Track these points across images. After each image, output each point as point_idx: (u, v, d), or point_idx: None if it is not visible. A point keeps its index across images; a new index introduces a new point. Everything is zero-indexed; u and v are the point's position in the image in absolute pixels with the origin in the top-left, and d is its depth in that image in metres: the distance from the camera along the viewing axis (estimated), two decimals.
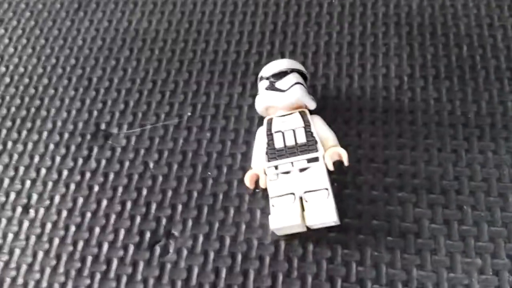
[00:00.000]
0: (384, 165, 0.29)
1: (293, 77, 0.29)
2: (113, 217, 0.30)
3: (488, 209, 0.27)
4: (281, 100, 0.29)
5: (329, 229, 0.28)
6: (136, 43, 0.37)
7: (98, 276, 0.28)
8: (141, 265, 0.28)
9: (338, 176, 0.29)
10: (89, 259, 0.29)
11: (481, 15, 0.34)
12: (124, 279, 0.28)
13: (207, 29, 0.37)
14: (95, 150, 0.33)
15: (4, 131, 0.34)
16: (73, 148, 0.33)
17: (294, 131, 0.29)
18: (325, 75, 0.33)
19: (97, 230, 0.30)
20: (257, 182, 0.29)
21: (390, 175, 0.29)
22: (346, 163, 0.28)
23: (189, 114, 0.33)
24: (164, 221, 0.30)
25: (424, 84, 0.32)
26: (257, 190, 0.30)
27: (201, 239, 0.29)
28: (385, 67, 0.33)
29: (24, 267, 0.29)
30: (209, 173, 0.31)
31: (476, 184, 0.28)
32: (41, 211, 0.31)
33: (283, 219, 0.27)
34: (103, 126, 0.34)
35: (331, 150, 0.28)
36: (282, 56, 0.35)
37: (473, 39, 0.33)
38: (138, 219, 0.30)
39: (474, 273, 0.26)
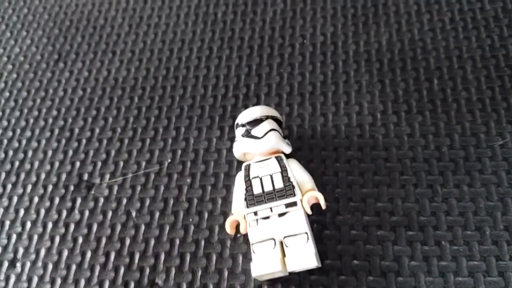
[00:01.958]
0: (362, 203, 0.30)
1: (268, 124, 0.30)
2: (97, 269, 0.30)
3: (466, 243, 0.28)
4: (257, 147, 0.30)
5: (311, 271, 0.28)
6: (116, 92, 0.38)
7: None
8: None
9: (318, 217, 0.30)
10: None
11: (450, 48, 0.35)
12: None
13: (184, 74, 0.38)
14: (79, 201, 0.33)
15: None
16: (57, 200, 0.33)
17: (271, 176, 0.29)
18: (300, 115, 0.34)
19: (82, 282, 0.30)
20: (238, 227, 0.29)
21: (368, 213, 0.29)
22: (323, 206, 0.28)
23: (169, 160, 0.34)
24: (147, 270, 0.30)
25: (397, 120, 0.32)
26: (238, 235, 0.30)
27: (184, 287, 0.29)
28: (358, 105, 0.33)
29: None
30: (191, 219, 0.31)
31: (453, 218, 0.28)
32: (28, 265, 0.31)
33: (264, 266, 0.27)
34: (85, 177, 0.34)
35: (308, 194, 0.28)
36: (258, 98, 0.35)
37: (443, 72, 0.34)
38: (122, 270, 0.30)
39: None
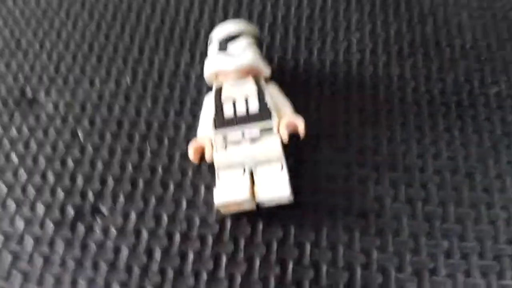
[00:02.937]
0: (344, 140, 0.27)
1: (246, 40, 0.27)
2: (31, 192, 0.26)
3: (454, 189, 0.25)
4: (233, 63, 0.26)
5: (282, 207, 0.24)
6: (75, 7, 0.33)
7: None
8: (60, 246, 0.24)
9: (294, 152, 0.26)
10: None
11: None
12: (40, 262, 0.24)
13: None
14: (18, 118, 0.28)
15: None
16: None
17: (246, 98, 0.25)
18: (282, 47, 0.30)
19: (13, 207, 0.25)
20: (203, 156, 0.25)
21: (350, 150, 0.26)
22: (302, 134, 0.25)
23: (128, 79, 0.29)
24: (91, 195, 0.25)
25: (386, 60, 0.29)
26: (202, 163, 0.26)
27: (133, 217, 0.25)
28: (347, 41, 0.30)
29: None
30: (148, 144, 0.27)
31: (442, 163, 0.26)
32: None
33: (230, 193, 0.23)
34: (29, 94, 0.29)
35: (287, 118, 0.25)
36: None
37: (437, 17, 0.31)
38: (61, 194, 0.26)
39: (440, 257, 0.23)
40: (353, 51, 0.30)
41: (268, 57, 0.30)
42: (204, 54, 0.30)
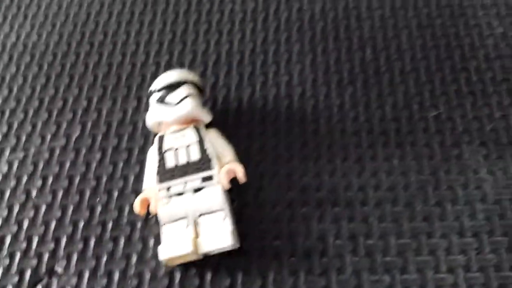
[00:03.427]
0: (287, 178, 0.27)
1: (185, 90, 0.27)
2: None
3: (395, 220, 0.26)
4: (172, 114, 0.26)
5: (229, 253, 0.25)
6: (24, 59, 0.34)
7: None
8: None
9: (239, 193, 0.27)
10: None
11: (386, 16, 0.33)
12: None
13: (101, 40, 0.34)
14: None
15: None
16: None
17: (187, 147, 0.26)
18: (226, 85, 0.31)
19: None
20: (149, 207, 0.26)
21: (293, 189, 0.27)
22: (241, 179, 0.25)
23: (77, 134, 0.30)
24: (46, 256, 0.26)
25: (326, 91, 0.30)
26: (150, 216, 0.27)
27: (87, 275, 0.25)
28: (288, 75, 0.31)
29: None
30: (98, 198, 0.28)
31: (382, 194, 0.26)
32: None
33: (173, 248, 0.24)
34: None
35: (226, 167, 0.25)
36: (181, 66, 0.32)
37: (377, 41, 0.32)
38: (17, 256, 0.26)
39: None
40: (295, 84, 0.30)
41: (212, 98, 0.30)
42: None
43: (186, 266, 0.25)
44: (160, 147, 0.26)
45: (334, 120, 0.29)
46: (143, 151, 0.29)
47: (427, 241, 0.25)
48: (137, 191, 0.28)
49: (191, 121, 0.27)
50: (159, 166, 0.26)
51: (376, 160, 0.27)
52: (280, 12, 0.34)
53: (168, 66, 0.32)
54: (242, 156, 0.27)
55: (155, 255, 0.26)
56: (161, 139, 0.27)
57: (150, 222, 0.27)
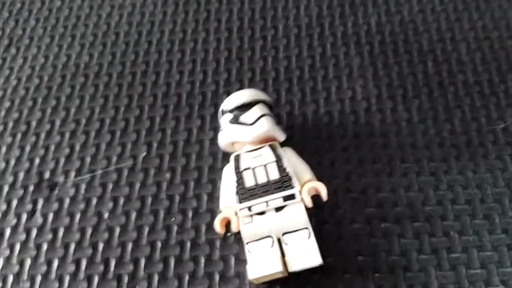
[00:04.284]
0: (362, 194, 0.27)
1: (259, 109, 0.27)
2: (67, 279, 0.26)
3: (475, 233, 0.26)
4: (248, 134, 0.26)
5: (312, 271, 0.25)
6: (78, 79, 0.34)
7: None
8: None
9: (315, 211, 0.27)
10: None
11: (442, 29, 0.33)
12: None
13: (156, 59, 0.34)
14: (40, 202, 0.29)
15: None
16: (15, 202, 0.29)
17: (265, 166, 0.26)
18: (289, 102, 0.31)
19: None
20: (227, 226, 0.26)
21: (370, 205, 0.27)
22: (324, 198, 0.25)
23: (144, 154, 0.30)
24: (126, 279, 0.26)
25: (393, 105, 0.30)
26: (228, 234, 0.27)
27: None
28: (351, 90, 0.31)
29: None
30: (173, 218, 0.28)
31: (460, 207, 0.27)
32: None
33: (262, 267, 0.24)
34: (47, 175, 0.30)
35: (308, 185, 0.25)
36: (241, 84, 0.32)
37: (437, 54, 0.32)
38: (96, 280, 0.26)
39: None
40: (359, 99, 0.31)
41: (276, 115, 0.30)
42: (213, 117, 0.31)
43: (270, 284, 0.25)
44: (237, 167, 0.26)
45: (404, 133, 0.29)
46: (213, 169, 0.29)
47: (508, 252, 0.25)
48: (211, 210, 0.28)
49: (266, 140, 0.27)
50: (238, 186, 0.26)
51: (451, 173, 0.28)
52: (335, 26, 0.34)
53: (228, 84, 0.32)
54: (313, 172, 0.27)
55: (237, 273, 0.26)
56: (237, 158, 0.27)
57: (229, 240, 0.27)
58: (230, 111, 0.27)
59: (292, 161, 0.26)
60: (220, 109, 0.28)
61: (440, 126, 0.29)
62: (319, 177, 0.27)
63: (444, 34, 0.33)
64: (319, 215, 0.27)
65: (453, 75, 0.31)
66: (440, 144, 0.29)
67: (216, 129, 0.30)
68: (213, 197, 0.28)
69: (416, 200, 0.27)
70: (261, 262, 0.24)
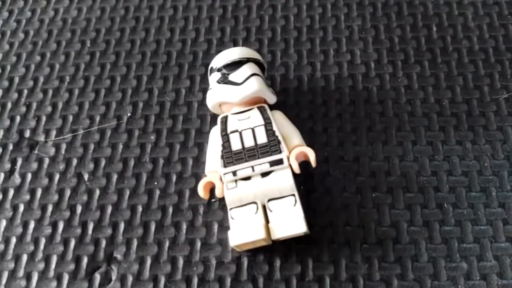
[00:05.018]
0: (355, 163, 0.26)
1: (249, 68, 0.25)
2: (42, 242, 0.25)
3: (470, 206, 0.25)
4: (236, 94, 0.25)
5: (298, 239, 0.24)
6: (64, 35, 0.32)
7: None
8: None
9: (304, 179, 0.26)
10: None
11: None
12: None
13: (147, 15, 0.32)
14: (19, 162, 0.28)
15: None
16: None
17: (253, 130, 0.25)
18: (284, 64, 0.29)
19: (24, 258, 0.25)
20: (212, 191, 0.25)
21: (362, 174, 0.26)
22: (314, 164, 0.24)
23: (129, 114, 0.29)
24: (104, 243, 0.25)
25: (393, 70, 0.28)
26: (213, 200, 0.26)
27: (149, 262, 0.24)
28: (350, 53, 0.29)
29: None
30: (156, 182, 0.26)
31: (456, 178, 0.25)
32: None
33: (244, 234, 0.23)
34: (27, 134, 0.29)
35: (296, 150, 0.24)
36: (235, 43, 0.30)
37: (442, 18, 0.30)
38: (72, 243, 0.25)
39: (460, 279, 0.23)
40: (357, 63, 0.29)
41: (270, 77, 0.29)
42: (203, 78, 0.29)
43: (254, 252, 0.24)
44: (224, 129, 0.25)
45: (402, 101, 0.27)
46: (200, 132, 0.28)
47: (504, 227, 0.24)
48: (196, 175, 0.26)
49: (256, 102, 0.26)
50: (223, 149, 0.25)
51: (448, 143, 0.26)
52: None
53: (221, 44, 0.31)
54: (305, 139, 0.25)
55: (220, 241, 0.25)
56: (224, 120, 0.25)
57: (213, 206, 0.26)
58: (219, 70, 0.26)
59: (282, 125, 0.25)
60: (209, 67, 0.27)
61: (441, 94, 0.28)
62: (311, 144, 0.26)
63: None
64: (309, 183, 0.26)
65: (458, 41, 0.29)
66: (439, 113, 0.27)
67: (205, 90, 0.28)
68: (199, 161, 0.27)
69: (411, 170, 0.26)
70: (243, 229, 0.23)
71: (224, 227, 0.25)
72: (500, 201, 0.25)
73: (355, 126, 0.27)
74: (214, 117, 0.27)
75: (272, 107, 0.26)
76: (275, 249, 0.24)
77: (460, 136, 0.26)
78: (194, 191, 0.26)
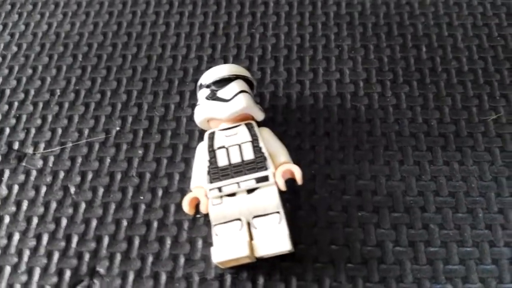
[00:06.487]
0: (341, 181, 0.26)
1: (237, 85, 0.26)
2: (26, 254, 0.25)
3: (456, 227, 0.25)
4: (224, 111, 0.25)
5: (282, 257, 0.24)
6: (57, 49, 0.32)
7: None
8: None
9: (290, 196, 0.25)
10: None
11: (439, 14, 0.32)
12: None
13: (139, 31, 0.32)
14: (6, 173, 0.28)
15: None
16: None
17: (240, 146, 0.25)
18: (273, 82, 0.30)
19: (7, 270, 0.25)
20: (197, 207, 0.25)
21: (348, 192, 0.26)
22: (299, 181, 0.24)
23: (118, 129, 0.29)
24: (87, 257, 0.25)
25: (381, 89, 0.29)
26: (198, 216, 0.25)
27: (131, 277, 0.24)
28: (339, 72, 0.29)
29: None
30: (142, 197, 0.26)
31: (443, 199, 0.25)
32: None
33: (228, 251, 0.23)
34: (16, 146, 0.29)
35: (282, 167, 0.24)
36: (225, 61, 0.31)
37: (432, 39, 0.30)
38: (56, 256, 0.25)
39: None
40: (346, 82, 0.29)
41: (259, 94, 0.29)
42: (192, 94, 0.29)
43: (237, 269, 0.24)
44: (211, 145, 0.25)
45: (390, 120, 0.28)
46: (188, 148, 0.28)
47: (490, 249, 0.24)
48: (182, 190, 0.26)
49: (243, 119, 0.26)
50: (210, 165, 0.25)
51: (436, 164, 0.26)
52: (328, 5, 0.32)
53: (212, 61, 0.31)
54: (292, 156, 0.25)
55: (204, 257, 0.24)
56: (212, 136, 0.25)
57: (198, 222, 0.25)
58: (207, 86, 0.26)
59: (269, 142, 0.25)
60: (199, 83, 0.27)
61: (429, 114, 0.28)
62: (299, 161, 0.26)
63: (441, 19, 0.31)
64: (295, 201, 0.26)
65: (447, 61, 0.29)
66: (427, 133, 0.27)
67: (195, 106, 0.28)
68: (186, 176, 0.27)
69: (397, 190, 0.26)
70: (227, 246, 0.23)
71: (208, 243, 0.25)
72: (487, 223, 0.25)
73: (343, 144, 0.27)
74: (202, 132, 0.27)
75: (260, 124, 0.26)
76: (259, 267, 0.24)
77: (448, 157, 0.26)
78: (179, 206, 0.25)
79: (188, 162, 0.27)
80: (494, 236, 0.24)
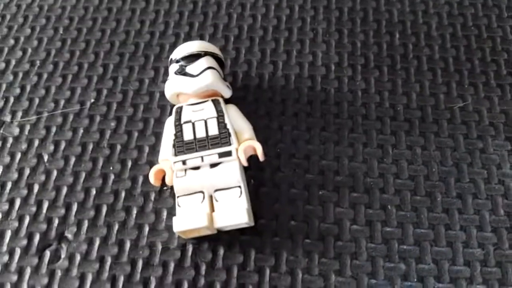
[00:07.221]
0: (306, 160, 0.27)
1: (206, 61, 0.26)
2: None
3: (414, 209, 0.25)
4: (191, 86, 0.26)
5: (242, 231, 0.25)
6: (39, 21, 0.33)
7: None
8: (27, 272, 0.24)
9: (256, 173, 0.26)
10: None
11: (416, 1, 0.32)
12: None
13: (119, 7, 0.33)
14: None
15: None
16: None
17: (205, 121, 0.25)
18: (247, 61, 0.30)
19: None
20: (164, 179, 0.25)
21: (311, 171, 0.26)
22: (261, 158, 0.25)
23: (93, 100, 0.29)
24: (56, 222, 0.26)
25: (352, 73, 0.29)
26: (164, 188, 0.26)
27: (97, 243, 0.25)
28: (312, 54, 0.30)
29: None
30: (111, 168, 0.27)
31: (402, 182, 0.26)
32: None
33: (188, 221, 0.24)
34: None
35: (245, 143, 0.25)
36: (202, 38, 0.31)
37: (406, 26, 0.31)
38: (27, 220, 0.26)
39: (397, 280, 0.23)
40: (319, 64, 0.30)
41: (232, 73, 0.30)
42: (167, 70, 0.30)
43: (199, 240, 0.25)
44: (178, 119, 0.26)
45: (358, 103, 0.28)
46: (159, 122, 0.28)
47: (445, 232, 0.25)
48: (151, 163, 0.27)
49: (211, 95, 0.26)
50: (176, 139, 0.25)
51: (399, 148, 0.27)
52: None
53: (188, 38, 0.31)
54: (260, 135, 0.26)
55: (168, 227, 0.25)
56: (179, 110, 0.26)
57: (164, 194, 0.26)
58: (177, 61, 0.26)
59: (234, 119, 0.26)
60: (169, 58, 0.27)
61: (396, 99, 0.28)
62: (266, 140, 0.27)
63: (417, 6, 0.31)
64: (259, 177, 0.26)
65: (419, 49, 0.30)
66: (393, 117, 0.28)
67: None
68: (155, 150, 0.27)
69: (359, 171, 0.26)
70: (188, 216, 0.24)
71: (172, 214, 0.25)
72: (444, 207, 0.25)
73: (310, 125, 0.28)
74: (173, 107, 0.28)
75: (231, 102, 0.27)
76: (220, 239, 0.25)
77: (411, 141, 0.27)
78: (147, 178, 0.26)
79: (158, 136, 0.28)
80: (451, 220, 0.25)
